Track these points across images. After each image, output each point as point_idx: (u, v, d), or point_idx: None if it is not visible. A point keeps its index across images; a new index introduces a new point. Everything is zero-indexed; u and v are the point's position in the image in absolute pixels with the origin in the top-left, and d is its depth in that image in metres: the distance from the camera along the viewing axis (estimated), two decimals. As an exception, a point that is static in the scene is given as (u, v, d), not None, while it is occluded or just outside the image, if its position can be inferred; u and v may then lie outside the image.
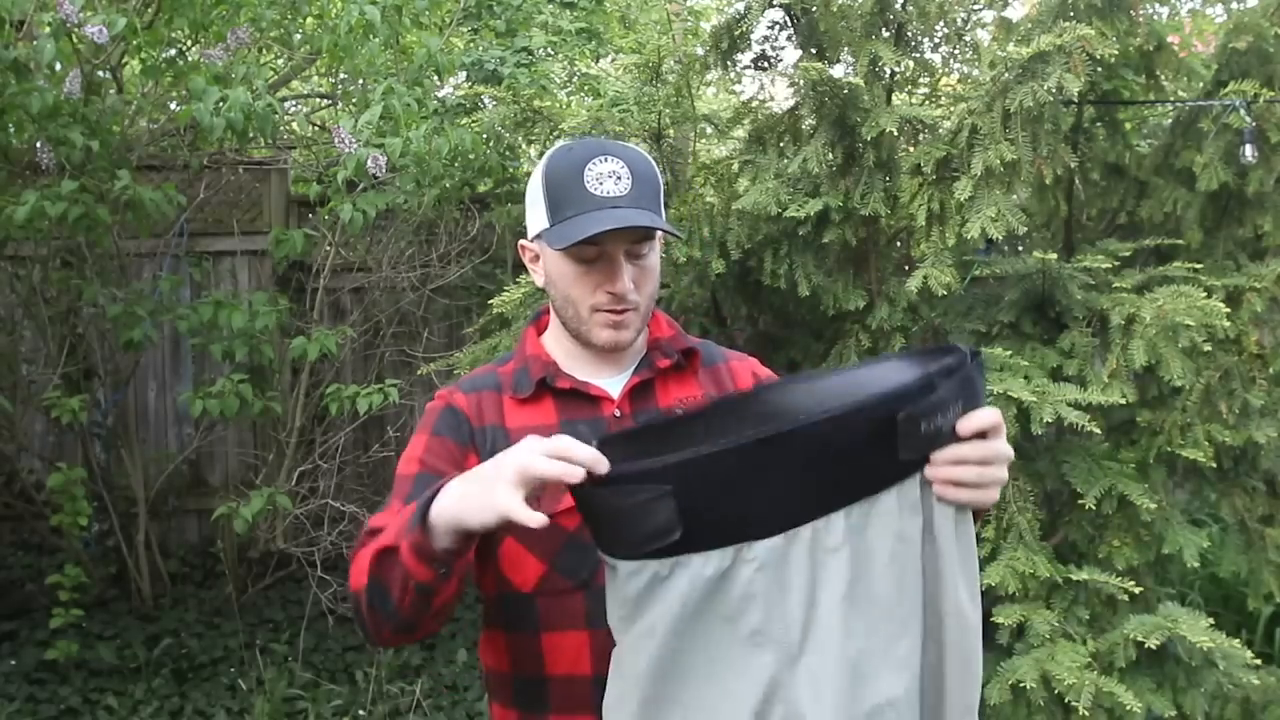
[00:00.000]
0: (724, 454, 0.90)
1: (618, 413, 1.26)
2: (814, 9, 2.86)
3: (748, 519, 0.93)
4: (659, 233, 1.27)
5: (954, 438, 0.95)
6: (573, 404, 1.26)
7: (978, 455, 0.95)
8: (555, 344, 1.32)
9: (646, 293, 1.26)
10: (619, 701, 0.97)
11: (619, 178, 1.20)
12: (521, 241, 1.34)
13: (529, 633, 1.19)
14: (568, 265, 1.24)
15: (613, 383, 1.28)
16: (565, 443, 0.94)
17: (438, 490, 1.02)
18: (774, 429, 0.90)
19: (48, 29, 2.83)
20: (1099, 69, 2.59)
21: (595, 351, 1.28)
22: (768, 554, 0.93)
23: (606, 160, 1.21)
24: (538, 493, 0.96)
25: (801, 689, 0.93)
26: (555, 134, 3.07)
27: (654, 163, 1.29)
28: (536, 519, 0.93)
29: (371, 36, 3.30)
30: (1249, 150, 2.68)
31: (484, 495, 0.96)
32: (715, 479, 0.91)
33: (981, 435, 0.96)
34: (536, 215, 1.26)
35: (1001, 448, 0.97)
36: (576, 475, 0.92)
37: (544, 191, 1.24)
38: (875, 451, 0.93)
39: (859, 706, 0.94)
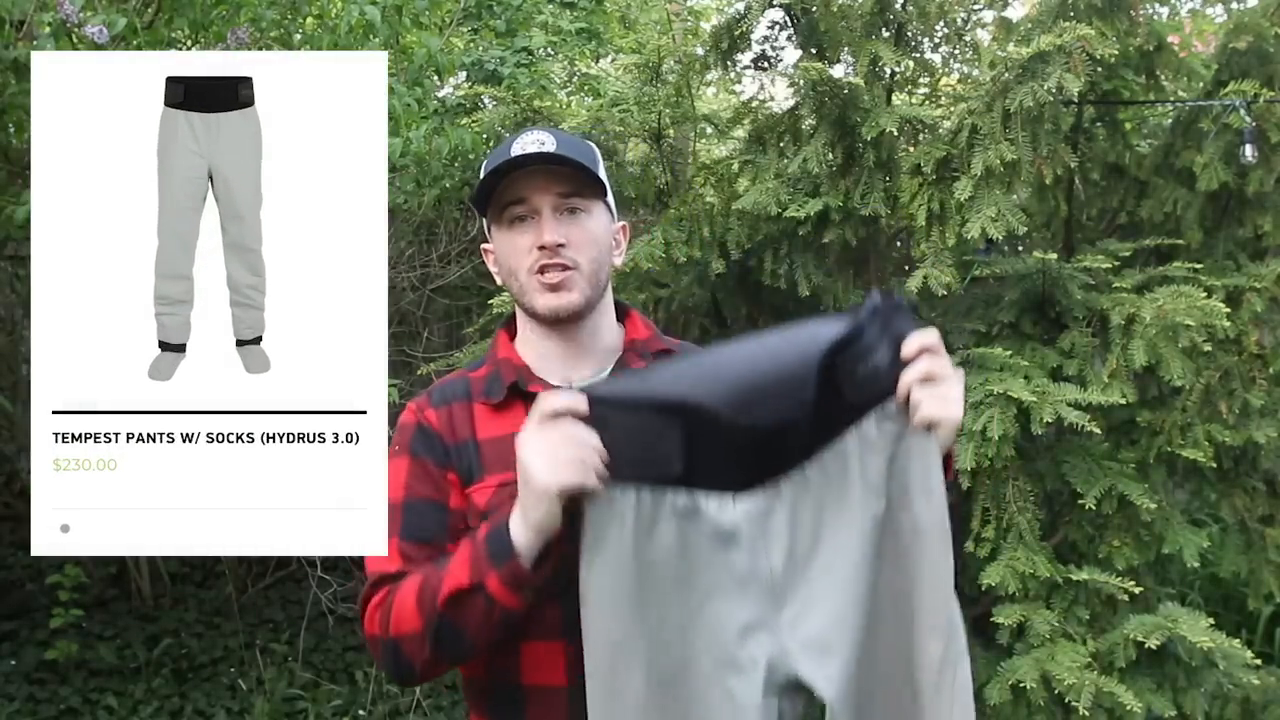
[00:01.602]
0: (716, 411, 1.02)
1: None
2: (814, 9, 2.86)
3: (732, 470, 1.04)
4: (604, 202, 1.27)
5: (896, 368, 1.04)
6: None
7: (924, 370, 1.03)
8: (526, 346, 1.30)
9: (587, 254, 1.23)
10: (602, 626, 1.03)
11: (542, 142, 1.22)
12: (483, 245, 1.35)
13: (505, 641, 1.18)
14: (503, 233, 1.25)
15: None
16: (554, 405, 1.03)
17: (502, 523, 1.06)
18: (753, 397, 1.03)
19: (48, 29, 2.83)
20: (1099, 69, 2.59)
21: (554, 336, 1.26)
22: (753, 506, 1.05)
23: (532, 132, 1.24)
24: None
25: (784, 629, 1.05)
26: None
27: (594, 145, 1.30)
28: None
29: (371, 36, 3.30)
30: (1249, 150, 2.68)
31: (529, 499, 1.04)
32: (709, 426, 1.03)
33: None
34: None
35: (947, 365, 1.05)
36: (581, 407, 1.02)
37: (483, 176, 1.26)
38: (827, 401, 1.05)
39: (837, 637, 1.05)
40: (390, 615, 1.14)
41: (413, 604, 1.12)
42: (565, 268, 1.22)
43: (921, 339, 1.04)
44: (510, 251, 1.25)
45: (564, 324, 1.25)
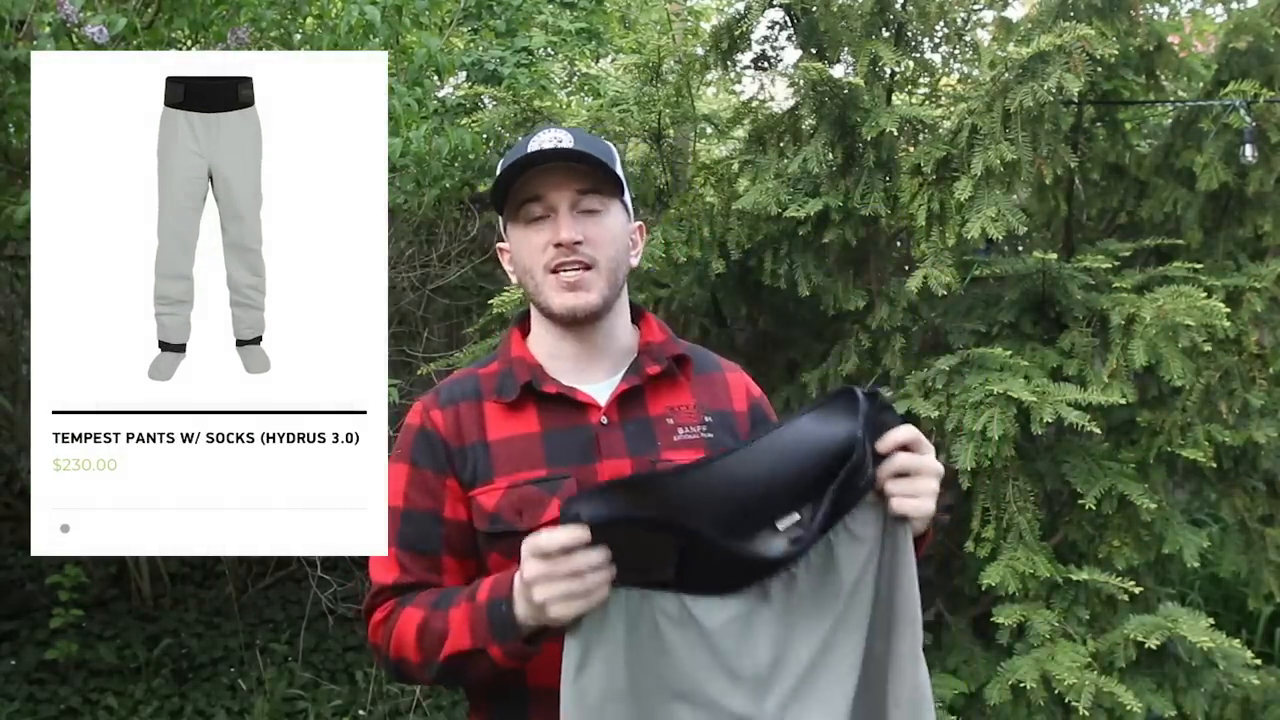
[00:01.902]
0: (709, 537, 1.04)
1: (604, 420, 1.23)
2: (814, 9, 2.86)
3: (722, 574, 1.06)
4: (621, 201, 1.26)
5: (877, 463, 1.08)
6: (558, 411, 1.23)
7: (897, 466, 1.07)
8: (539, 345, 1.28)
9: (605, 253, 1.22)
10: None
11: (560, 139, 1.20)
12: (498, 244, 1.33)
13: None
14: (519, 230, 1.24)
15: (600, 388, 1.25)
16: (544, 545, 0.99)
17: (504, 599, 1.07)
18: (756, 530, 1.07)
19: (48, 29, 2.83)
20: (1099, 69, 2.59)
21: (569, 336, 1.25)
22: (742, 607, 1.06)
23: (550, 130, 1.22)
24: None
25: (768, 717, 1.07)
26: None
27: (612, 145, 1.29)
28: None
29: (371, 36, 3.29)
30: (1249, 150, 2.68)
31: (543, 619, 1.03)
32: (701, 543, 1.04)
33: (903, 451, 1.09)
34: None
35: (924, 460, 1.08)
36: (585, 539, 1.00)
37: (500, 173, 1.24)
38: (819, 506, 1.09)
39: None
40: (392, 637, 1.17)
41: (413, 640, 1.14)
42: (583, 266, 1.20)
43: (897, 436, 1.08)
44: (526, 249, 1.23)
45: (580, 324, 1.24)
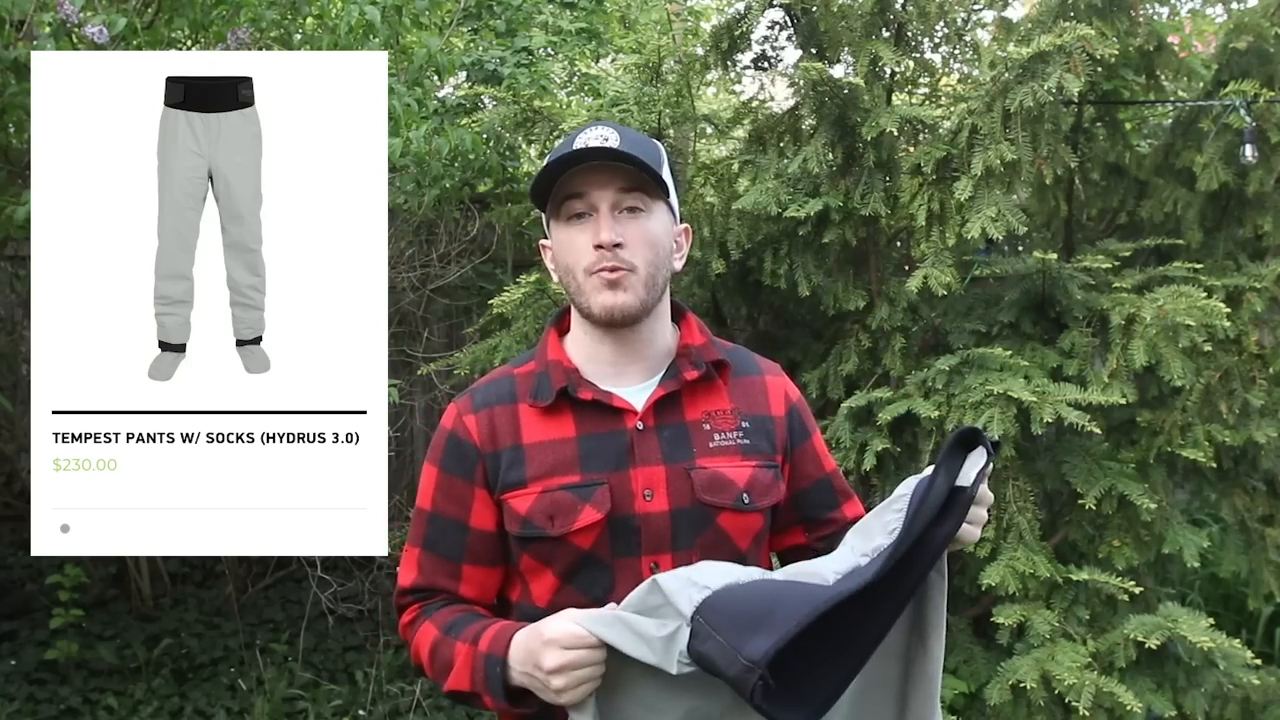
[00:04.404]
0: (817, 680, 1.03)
1: (640, 425, 1.21)
2: (814, 9, 2.85)
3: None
4: (666, 203, 1.24)
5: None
6: (594, 416, 1.22)
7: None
8: (576, 347, 1.27)
9: (644, 256, 1.20)
10: None
11: (605, 138, 1.19)
12: (540, 241, 1.32)
13: None
14: (560, 229, 1.22)
15: (637, 391, 1.24)
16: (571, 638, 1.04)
17: (501, 657, 1.11)
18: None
19: (48, 29, 2.83)
20: (1099, 69, 2.59)
21: (607, 339, 1.24)
22: None
23: (598, 127, 1.21)
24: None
25: None
26: (555, 134, 3.07)
27: (660, 145, 1.26)
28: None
29: (371, 36, 3.30)
30: (1249, 150, 2.68)
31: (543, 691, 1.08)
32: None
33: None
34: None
35: (988, 493, 1.14)
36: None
37: (543, 169, 1.23)
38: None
39: None
40: (413, 645, 1.23)
41: (427, 658, 1.20)
42: (620, 269, 1.19)
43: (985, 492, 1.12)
44: (568, 248, 1.21)
45: (618, 326, 1.22)
